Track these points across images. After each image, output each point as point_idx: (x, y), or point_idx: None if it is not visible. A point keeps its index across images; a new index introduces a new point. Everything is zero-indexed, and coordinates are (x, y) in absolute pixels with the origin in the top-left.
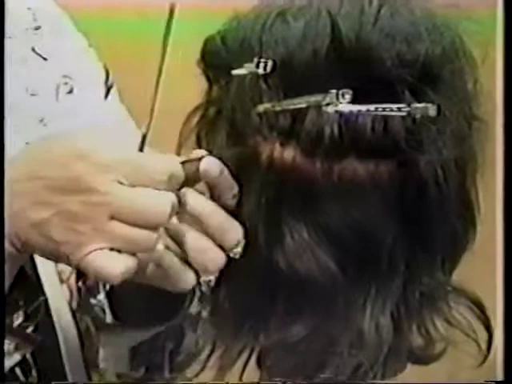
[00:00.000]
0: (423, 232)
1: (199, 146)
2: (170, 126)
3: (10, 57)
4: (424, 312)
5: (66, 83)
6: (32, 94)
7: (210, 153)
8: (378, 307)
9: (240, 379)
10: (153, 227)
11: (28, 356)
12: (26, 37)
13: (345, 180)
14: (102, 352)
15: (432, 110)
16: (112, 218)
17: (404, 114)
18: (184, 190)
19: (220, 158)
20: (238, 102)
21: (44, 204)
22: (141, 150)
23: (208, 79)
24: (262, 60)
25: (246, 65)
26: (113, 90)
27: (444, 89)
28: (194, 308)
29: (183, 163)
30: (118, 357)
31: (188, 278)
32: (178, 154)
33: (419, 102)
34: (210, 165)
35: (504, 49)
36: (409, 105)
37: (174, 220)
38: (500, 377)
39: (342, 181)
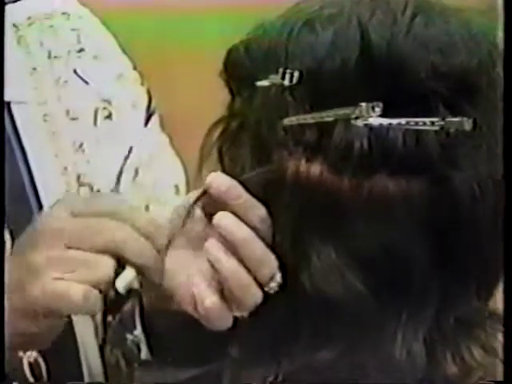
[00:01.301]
0: (457, 254)
1: (221, 161)
2: (191, 140)
3: (52, 78)
4: (459, 339)
5: (104, 108)
6: (72, 118)
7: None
8: (410, 333)
9: None
10: None
11: None
12: (68, 58)
13: (374, 198)
14: None
15: (467, 124)
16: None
17: (437, 128)
18: (220, 213)
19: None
20: (263, 115)
21: None
22: None
23: (231, 91)
24: (288, 71)
25: (271, 76)
26: (154, 117)
27: (480, 102)
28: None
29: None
30: None
31: (226, 320)
32: (200, 169)
33: (454, 116)
34: (216, 178)
35: (504, 47)
36: (443, 119)
37: (217, 248)
38: (500, 377)
39: (371, 198)
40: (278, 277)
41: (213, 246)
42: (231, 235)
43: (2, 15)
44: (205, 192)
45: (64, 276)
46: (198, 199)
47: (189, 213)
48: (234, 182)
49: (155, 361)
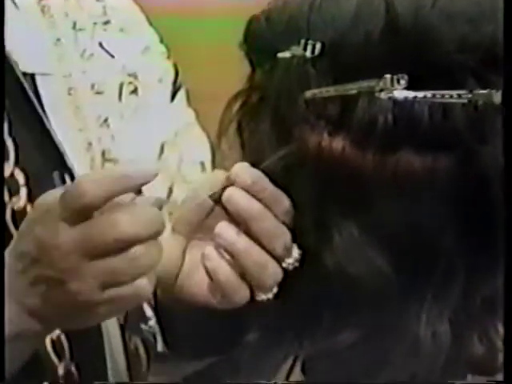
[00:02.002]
0: (485, 233)
1: (240, 135)
2: (210, 113)
3: (77, 50)
4: (486, 319)
5: (130, 82)
6: (97, 92)
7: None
8: (434, 313)
9: None
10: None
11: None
12: (94, 31)
13: (399, 174)
14: (152, 380)
15: (496, 97)
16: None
17: (465, 101)
18: (230, 189)
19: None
20: (284, 88)
21: None
22: None
23: (251, 63)
24: (310, 42)
25: (293, 47)
26: (180, 92)
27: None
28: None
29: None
30: None
31: (243, 294)
32: (218, 143)
33: (482, 89)
34: (242, 171)
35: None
36: (470, 91)
37: (231, 231)
38: (500, 377)
39: (396, 175)
40: (296, 252)
41: (223, 229)
42: (242, 210)
43: (2, 15)
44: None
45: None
46: (219, 196)
47: (209, 210)
48: (259, 174)
49: (171, 353)
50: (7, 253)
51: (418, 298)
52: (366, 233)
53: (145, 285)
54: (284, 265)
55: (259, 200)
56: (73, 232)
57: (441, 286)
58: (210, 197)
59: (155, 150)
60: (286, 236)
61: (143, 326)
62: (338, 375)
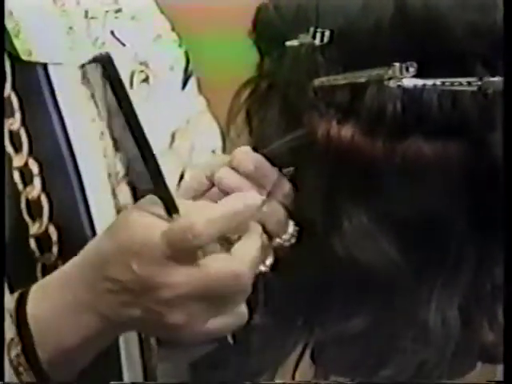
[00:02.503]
0: (496, 219)
1: (249, 123)
2: (219, 102)
3: (89, 39)
4: (496, 306)
5: (141, 71)
6: None
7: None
8: (444, 300)
9: (293, 375)
10: None
11: None
12: (105, 19)
13: (408, 161)
14: (160, 367)
15: None
16: None
17: (475, 88)
18: (222, 170)
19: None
20: (292, 76)
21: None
22: None
23: (260, 51)
24: (319, 30)
25: (302, 35)
26: (192, 80)
27: None
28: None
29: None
30: (177, 372)
31: None
32: (227, 131)
33: (492, 76)
34: (244, 157)
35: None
36: (480, 79)
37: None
38: (500, 377)
39: (405, 162)
40: (292, 229)
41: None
42: (233, 190)
43: (2, 13)
44: None
45: None
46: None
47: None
48: (261, 159)
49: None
50: (75, 261)
51: (427, 284)
52: (376, 220)
53: (243, 312)
54: (279, 241)
55: (261, 185)
56: (186, 273)
57: (450, 273)
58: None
59: (166, 139)
60: (279, 213)
61: None
62: (347, 362)
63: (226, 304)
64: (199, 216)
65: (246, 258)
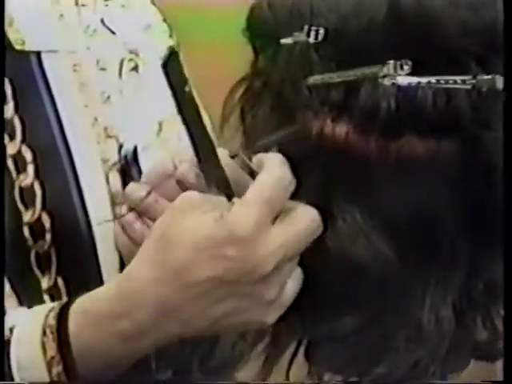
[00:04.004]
0: (489, 217)
1: (243, 121)
2: (212, 100)
3: (81, 26)
4: (489, 304)
5: (130, 59)
6: (101, 69)
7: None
8: (438, 298)
9: (287, 373)
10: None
11: None
12: (95, 6)
13: (402, 159)
14: None
15: (500, 83)
16: None
17: (469, 86)
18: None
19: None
20: (287, 74)
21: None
22: None
23: (254, 49)
24: (313, 28)
25: (296, 33)
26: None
27: None
28: None
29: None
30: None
31: None
32: (221, 129)
33: (486, 74)
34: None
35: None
36: (474, 77)
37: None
38: (500, 377)
39: (399, 160)
40: None
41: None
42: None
43: (2, 13)
44: None
45: None
46: None
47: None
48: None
49: None
50: (116, 291)
51: (421, 282)
52: (370, 218)
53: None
54: None
55: None
56: (280, 233)
57: (444, 271)
58: None
59: (154, 128)
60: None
61: None
62: (341, 360)
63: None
64: (259, 246)
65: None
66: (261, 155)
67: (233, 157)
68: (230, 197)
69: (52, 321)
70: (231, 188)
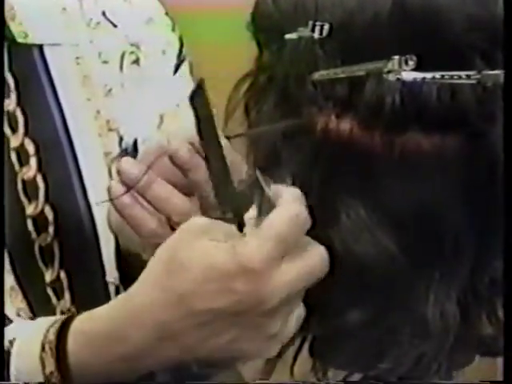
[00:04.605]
0: (494, 212)
1: (247, 116)
2: (217, 95)
3: (84, 19)
4: (494, 299)
5: (132, 52)
6: (104, 62)
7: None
8: (442, 293)
9: (291, 369)
10: None
11: None
12: (97, 0)
13: (407, 155)
14: None
15: None
16: None
17: (474, 81)
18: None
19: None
20: (291, 69)
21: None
22: None
23: (258, 44)
24: (318, 23)
25: (301, 28)
26: (184, 65)
27: None
28: None
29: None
30: None
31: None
32: (226, 123)
33: (491, 69)
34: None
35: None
36: (479, 72)
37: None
38: (500, 377)
39: (403, 155)
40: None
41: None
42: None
43: (2, 13)
44: None
45: None
46: None
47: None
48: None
49: None
50: (118, 312)
51: (425, 277)
52: (374, 213)
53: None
54: None
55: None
56: (290, 269)
57: (449, 266)
58: None
59: (155, 120)
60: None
61: (108, 278)
62: (345, 355)
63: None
64: (267, 283)
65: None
66: (279, 187)
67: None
68: (241, 226)
69: (52, 336)
70: (243, 217)
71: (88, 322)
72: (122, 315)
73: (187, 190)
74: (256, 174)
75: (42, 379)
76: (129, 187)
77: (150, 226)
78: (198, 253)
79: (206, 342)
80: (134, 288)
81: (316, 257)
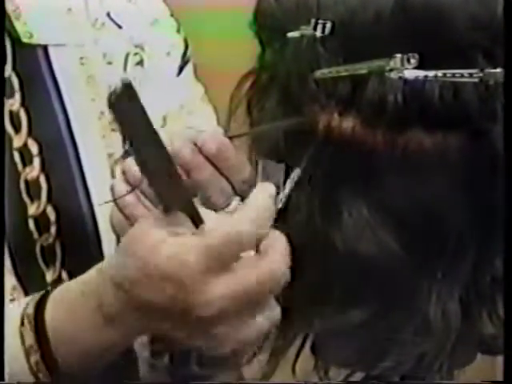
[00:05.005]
0: (496, 211)
1: (250, 114)
2: (219, 93)
3: (89, 20)
4: (496, 297)
5: (136, 53)
6: (108, 62)
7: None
8: (444, 291)
9: (293, 367)
10: None
11: None
12: (103, 1)
13: (409, 153)
14: None
15: None
16: None
17: (476, 80)
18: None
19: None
20: (294, 68)
21: None
22: None
23: (261, 42)
24: (320, 21)
25: (303, 27)
26: (188, 66)
27: None
28: None
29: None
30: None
31: None
32: (228, 122)
33: (493, 68)
34: (210, 137)
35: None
36: (481, 70)
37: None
38: (500, 377)
39: (406, 154)
40: (236, 203)
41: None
42: (185, 163)
43: (3, 13)
44: None
45: None
46: None
47: None
48: (227, 143)
49: None
50: (94, 276)
51: (427, 276)
52: (376, 212)
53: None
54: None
55: (220, 168)
56: (225, 284)
57: (451, 265)
58: None
59: (158, 121)
60: (222, 183)
61: None
62: (347, 354)
63: (263, 305)
64: (237, 221)
65: (277, 257)
66: (260, 186)
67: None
68: (195, 222)
69: (30, 310)
70: (200, 216)
71: (65, 292)
72: (95, 281)
73: (194, 192)
74: (258, 166)
75: (21, 355)
76: (133, 186)
77: None
78: (147, 245)
79: (151, 325)
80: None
81: (271, 310)
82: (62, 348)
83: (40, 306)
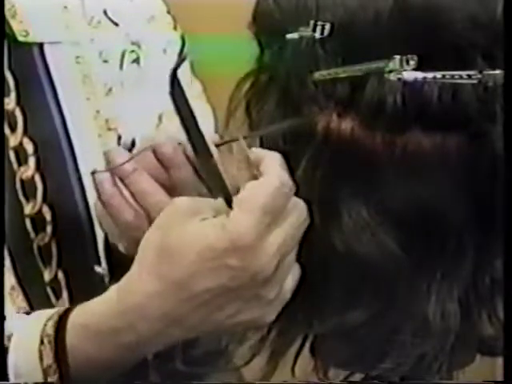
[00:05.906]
0: (495, 212)
1: (249, 116)
2: (218, 94)
3: (85, 18)
4: (496, 298)
5: (132, 51)
6: (104, 61)
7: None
8: (444, 292)
9: (293, 368)
10: None
11: None
12: None
13: (408, 154)
14: None
15: None
16: None
17: (475, 81)
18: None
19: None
20: (293, 69)
21: None
22: None
23: (260, 44)
24: (319, 23)
25: (302, 28)
26: (185, 64)
27: None
28: None
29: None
30: None
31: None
32: (227, 123)
33: (492, 69)
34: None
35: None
36: (480, 71)
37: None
38: (500, 377)
39: (405, 155)
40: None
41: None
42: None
43: (3, 13)
44: None
45: None
46: None
47: None
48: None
49: None
50: (113, 306)
51: (427, 277)
52: (375, 213)
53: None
54: None
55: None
56: (278, 235)
57: (450, 266)
58: None
59: (153, 120)
60: (200, 186)
61: (96, 267)
62: (347, 355)
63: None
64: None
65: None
66: (260, 152)
67: (218, 145)
68: (229, 201)
69: (50, 330)
70: (229, 191)
71: (88, 316)
72: (123, 308)
73: (171, 191)
74: (239, 140)
75: (39, 373)
76: (112, 171)
77: (127, 217)
78: (191, 236)
79: (208, 319)
80: (130, 278)
81: (297, 214)
82: (83, 369)
83: (60, 327)
